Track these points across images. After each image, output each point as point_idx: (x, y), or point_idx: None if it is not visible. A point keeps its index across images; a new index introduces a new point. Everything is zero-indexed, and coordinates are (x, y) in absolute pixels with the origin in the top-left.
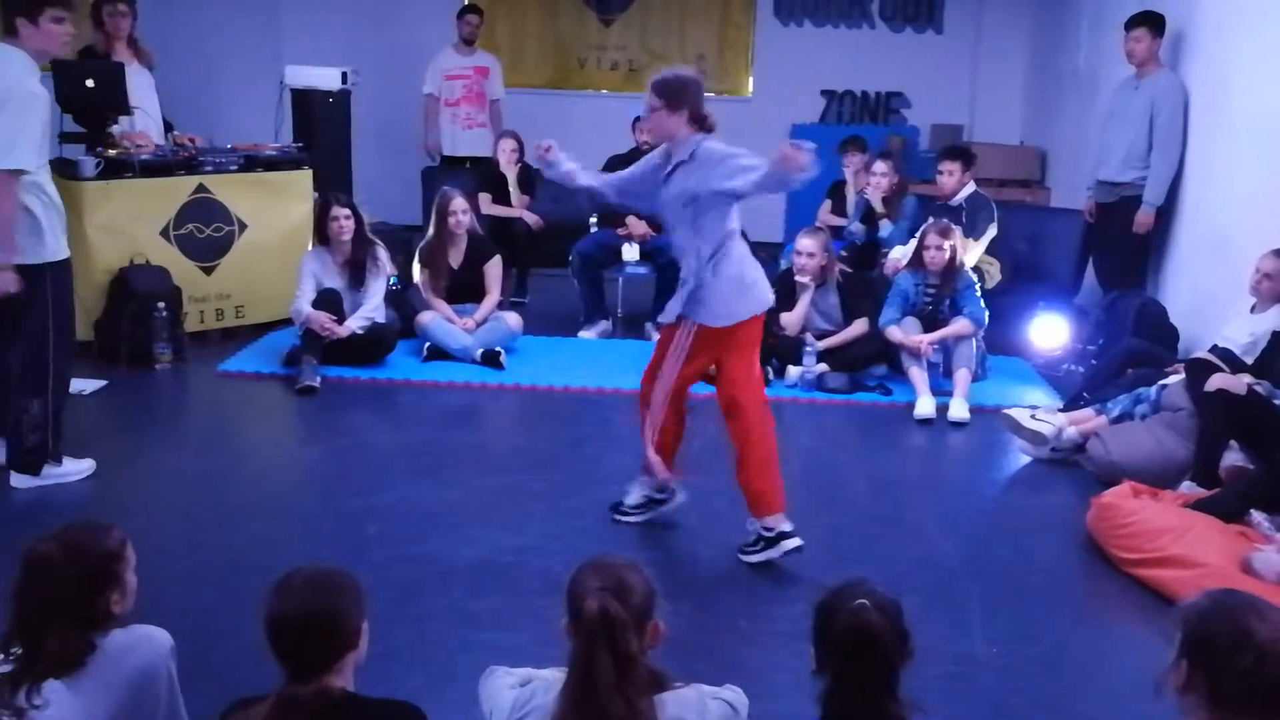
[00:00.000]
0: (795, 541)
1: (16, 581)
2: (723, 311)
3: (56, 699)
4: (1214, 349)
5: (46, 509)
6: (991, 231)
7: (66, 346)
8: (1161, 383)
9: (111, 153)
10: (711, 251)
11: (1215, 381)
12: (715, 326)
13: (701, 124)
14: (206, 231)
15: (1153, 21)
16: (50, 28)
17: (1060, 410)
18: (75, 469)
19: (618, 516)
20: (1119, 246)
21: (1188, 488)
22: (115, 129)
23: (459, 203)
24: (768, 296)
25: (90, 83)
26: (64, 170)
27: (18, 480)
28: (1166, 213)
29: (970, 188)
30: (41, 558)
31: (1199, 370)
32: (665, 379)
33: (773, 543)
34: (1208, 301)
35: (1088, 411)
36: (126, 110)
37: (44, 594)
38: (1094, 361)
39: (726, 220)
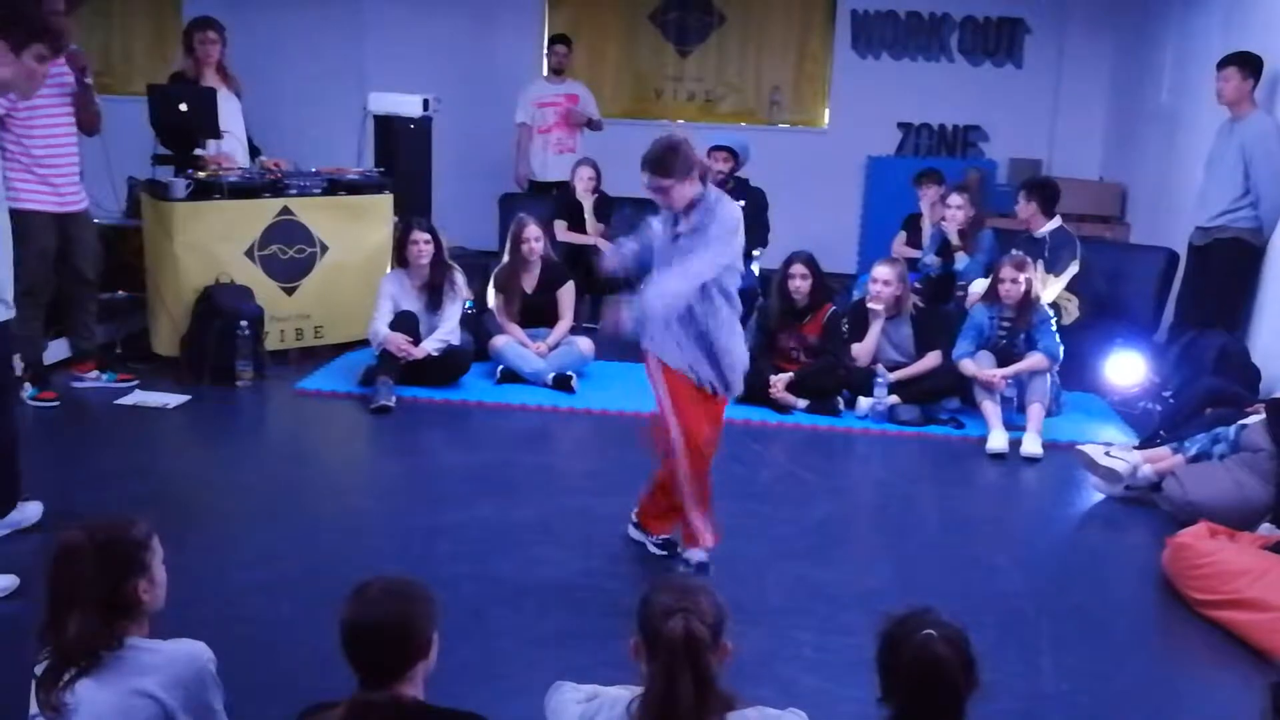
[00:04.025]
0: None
1: (46, 572)
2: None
3: (90, 698)
4: None
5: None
6: (1073, 269)
7: None
8: (1241, 423)
9: (201, 175)
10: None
11: None
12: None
13: (704, 175)
14: (289, 253)
15: (1245, 61)
16: (31, 64)
17: (1136, 448)
18: None
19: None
20: (1210, 289)
21: (1266, 530)
22: (204, 151)
23: (532, 229)
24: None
25: (183, 107)
26: (155, 191)
27: None
28: (1253, 253)
29: (1056, 222)
30: (66, 543)
31: None
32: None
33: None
34: None
35: (1164, 450)
36: (217, 134)
37: (67, 578)
38: (1171, 400)
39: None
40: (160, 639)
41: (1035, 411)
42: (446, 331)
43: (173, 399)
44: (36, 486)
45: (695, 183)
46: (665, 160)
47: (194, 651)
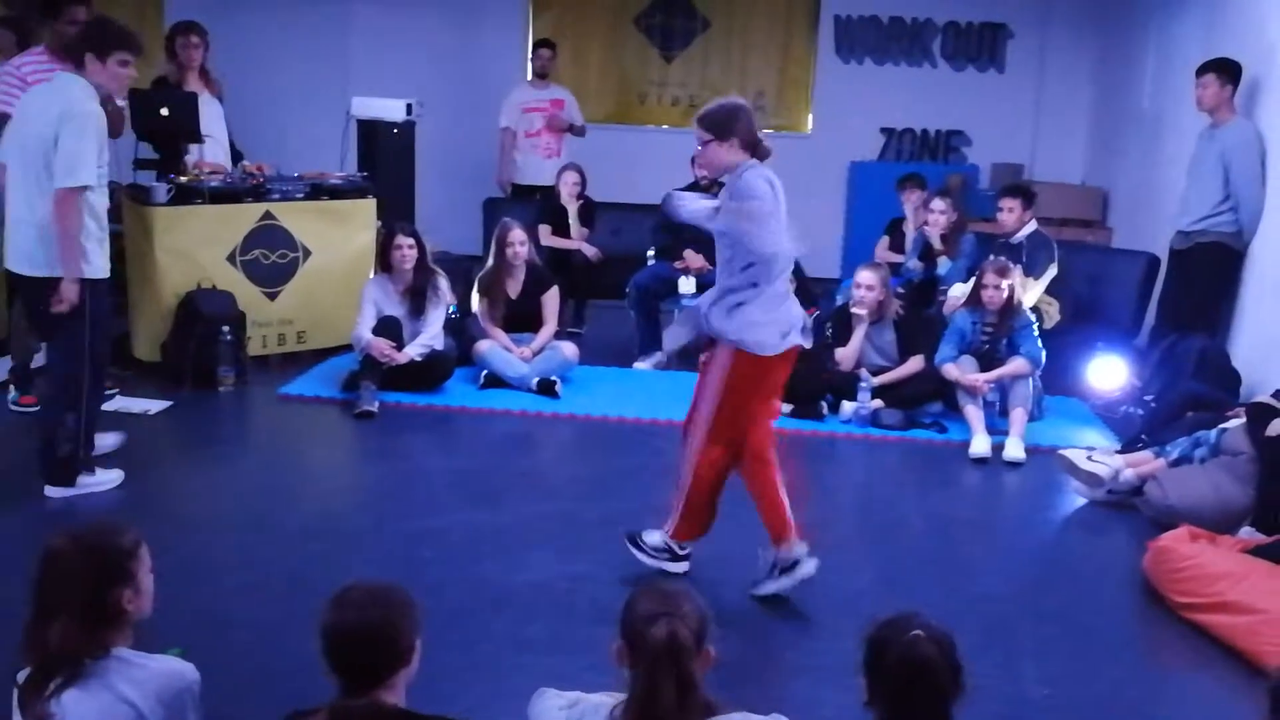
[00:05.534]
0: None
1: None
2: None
3: (75, 707)
4: (1277, 394)
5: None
6: (1052, 271)
7: (100, 362)
8: (1222, 426)
9: (183, 179)
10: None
11: (1277, 426)
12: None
13: (755, 150)
14: (272, 258)
15: (1223, 68)
16: (115, 69)
17: (1117, 452)
18: (106, 478)
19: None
20: (1190, 293)
21: (1247, 533)
22: (188, 158)
23: (517, 234)
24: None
25: (165, 111)
26: (136, 195)
27: (52, 491)
28: (1234, 257)
29: (1031, 226)
30: (52, 550)
31: (1261, 414)
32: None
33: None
34: (1272, 346)
35: (1146, 454)
36: (199, 138)
37: (52, 585)
38: (1152, 404)
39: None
40: (144, 650)
41: (1018, 416)
42: (430, 336)
43: (154, 405)
44: (18, 493)
45: (735, 150)
46: (711, 115)
47: (180, 671)
